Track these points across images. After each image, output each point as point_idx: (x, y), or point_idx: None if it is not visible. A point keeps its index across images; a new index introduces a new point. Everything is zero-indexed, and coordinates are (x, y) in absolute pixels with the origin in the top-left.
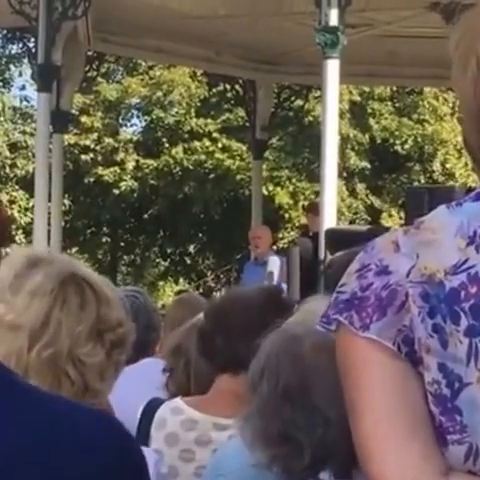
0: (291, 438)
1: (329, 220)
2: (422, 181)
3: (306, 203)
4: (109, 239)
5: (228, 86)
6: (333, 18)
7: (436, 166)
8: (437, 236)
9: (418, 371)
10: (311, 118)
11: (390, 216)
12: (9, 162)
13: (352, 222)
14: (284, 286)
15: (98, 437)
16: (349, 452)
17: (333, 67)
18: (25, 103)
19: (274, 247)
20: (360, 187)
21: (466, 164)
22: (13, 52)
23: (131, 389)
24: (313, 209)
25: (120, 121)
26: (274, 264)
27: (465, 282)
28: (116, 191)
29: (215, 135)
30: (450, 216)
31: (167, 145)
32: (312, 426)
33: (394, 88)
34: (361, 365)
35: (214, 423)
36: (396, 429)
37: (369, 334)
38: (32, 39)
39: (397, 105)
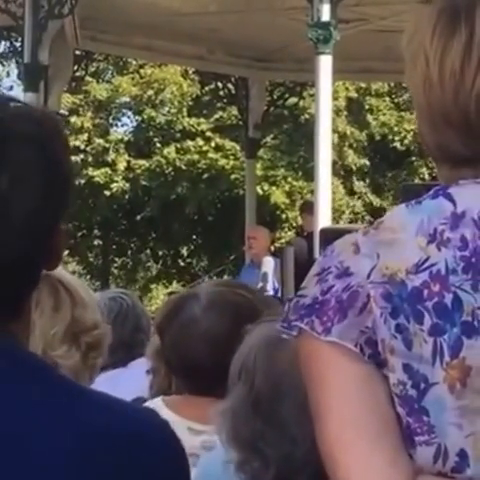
0: (258, 450)
1: (324, 219)
2: (425, 176)
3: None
4: (100, 241)
5: (220, 84)
6: (325, 13)
7: None
8: (397, 235)
9: (383, 373)
10: (307, 116)
11: None
12: None
13: (352, 221)
14: (278, 286)
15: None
16: (317, 470)
17: (326, 63)
18: None
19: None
20: (359, 185)
21: None
22: (0, 51)
23: (121, 390)
24: (307, 208)
25: (111, 121)
26: (268, 265)
27: (427, 280)
28: (107, 192)
29: (208, 134)
30: (410, 215)
31: (159, 145)
32: (280, 443)
33: (392, 83)
34: (324, 370)
35: (188, 427)
36: (361, 434)
37: (331, 337)
38: (19, 38)
39: (396, 100)
